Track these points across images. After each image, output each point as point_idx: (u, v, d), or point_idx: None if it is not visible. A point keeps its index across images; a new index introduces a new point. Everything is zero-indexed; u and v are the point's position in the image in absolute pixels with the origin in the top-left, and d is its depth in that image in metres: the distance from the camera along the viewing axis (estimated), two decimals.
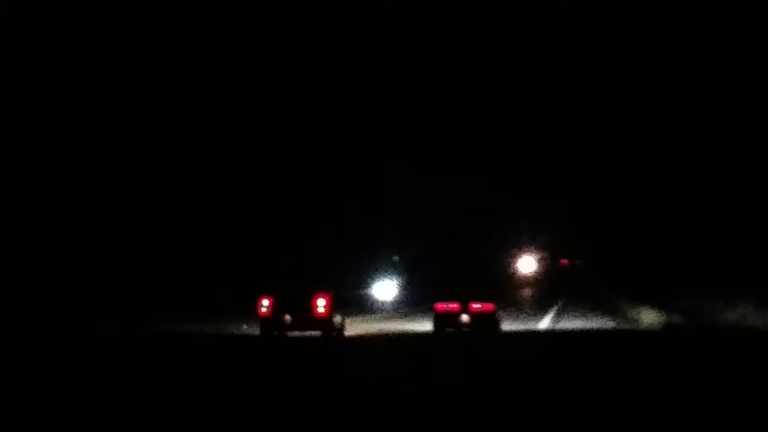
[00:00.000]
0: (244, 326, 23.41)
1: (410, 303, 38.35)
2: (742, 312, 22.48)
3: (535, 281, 56.05)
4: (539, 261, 64.36)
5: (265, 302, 20.23)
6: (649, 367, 13.79)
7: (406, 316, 29.55)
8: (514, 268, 57.98)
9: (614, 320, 26.21)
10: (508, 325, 22.71)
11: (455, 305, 20.68)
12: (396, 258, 47.97)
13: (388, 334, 22.32)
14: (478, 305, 20.64)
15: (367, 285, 42.59)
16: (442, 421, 9.76)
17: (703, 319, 22.69)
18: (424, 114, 55.16)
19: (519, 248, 58.74)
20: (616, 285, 41.71)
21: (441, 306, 20.97)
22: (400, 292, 43.91)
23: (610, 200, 57.43)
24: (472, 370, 14.00)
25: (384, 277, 44.60)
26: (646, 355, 15.88)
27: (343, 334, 21.04)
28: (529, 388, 11.74)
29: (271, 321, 20.06)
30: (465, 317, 20.68)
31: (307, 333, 20.42)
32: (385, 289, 43.53)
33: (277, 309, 20.11)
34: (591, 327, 23.67)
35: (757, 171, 42.61)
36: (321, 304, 19.95)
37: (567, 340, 20.66)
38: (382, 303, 38.86)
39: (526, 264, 56.22)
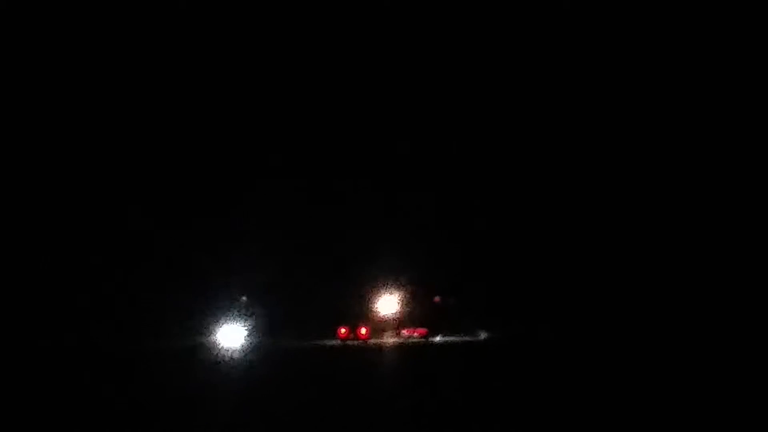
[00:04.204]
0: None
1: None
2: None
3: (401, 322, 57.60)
4: (404, 300, 60.03)
5: (342, 330, 54.65)
6: (471, 351, 48.40)
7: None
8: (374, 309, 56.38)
9: (470, 337, 60.66)
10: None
11: (416, 330, 55.40)
12: (244, 298, 44.13)
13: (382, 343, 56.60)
14: (422, 329, 55.62)
15: (210, 331, 40.05)
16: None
17: (509, 336, 56.97)
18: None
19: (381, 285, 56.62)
20: (479, 320, 58.88)
21: (408, 330, 55.66)
22: (249, 336, 42.14)
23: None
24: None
25: (229, 320, 41.30)
26: (471, 347, 50.65)
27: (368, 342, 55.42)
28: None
29: (344, 338, 54.56)
30: (416, 333, 55.49)
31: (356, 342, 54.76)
32: (231, 334, 41.06)
33: (346, 332, 54.65)
34: (458, 341, 58.12)
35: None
36: (363, 331, 54.55)
37: (447, 345, 55.41)
38: (228, 350, 37.90)
39: (387, 304, 54.45)
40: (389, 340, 55.85)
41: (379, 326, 53.84)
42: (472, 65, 49.05)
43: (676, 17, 43.82)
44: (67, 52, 43.39)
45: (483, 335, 56.60)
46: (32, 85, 42.52)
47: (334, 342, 54.35)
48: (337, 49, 48.39)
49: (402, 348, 51.99)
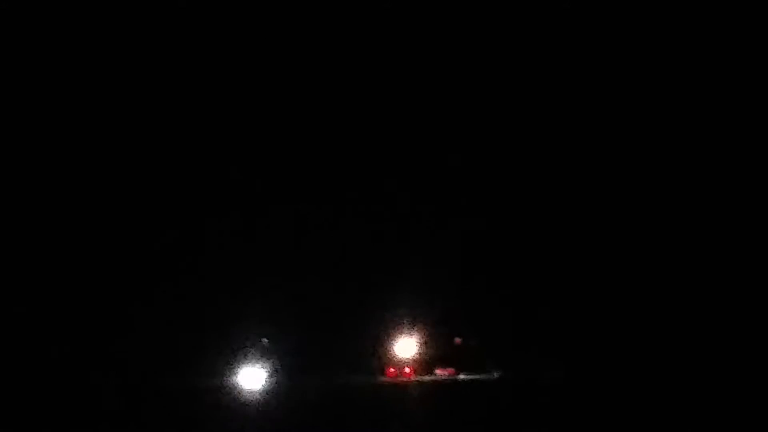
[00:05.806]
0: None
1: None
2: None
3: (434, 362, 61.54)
4: (421, 342, 62.54)
5: (391, 369, 73.60)
6: (483, 386, 66.87)
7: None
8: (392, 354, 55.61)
9: (485, 375, 78.59)
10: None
11: (446, 370, 74.09)
12: (265, 340, 41.99)
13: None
14: (450, 369, 74.33)
15: (231, 372, 37.53)
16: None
17: (518, 376, 74.74)
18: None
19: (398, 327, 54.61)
20: (496, 359, 66.95)
21: (439, 369, 74.35)
22: (270, 378, 39.19)
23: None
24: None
25: (249, 362, 38.56)
26: (486, 383, 69.17)
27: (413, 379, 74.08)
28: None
29: (393, 376, 73.52)
30: (446, 372, 74.14)
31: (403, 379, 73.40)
32: (252, 377, 37.70)
33: (394, 371, 73.64)
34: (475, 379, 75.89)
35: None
36: (407, 370, 73.55)
37: (472, 381, 73.91)
38: (250, 392, 34.76)
39: (405, 348, 53.31)
40: (426, 378, 74.38)
41: (414, 366, 70.30)
42: (472, 76, 46.52)
43: (676, 17, 42.36)
44: (68, 54, 41.90)
45: (496, 374, 73.54)
46: (34, 92, 41.30)
47: (384, 379, 73.08)
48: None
49: (437, 384, 70.63)
